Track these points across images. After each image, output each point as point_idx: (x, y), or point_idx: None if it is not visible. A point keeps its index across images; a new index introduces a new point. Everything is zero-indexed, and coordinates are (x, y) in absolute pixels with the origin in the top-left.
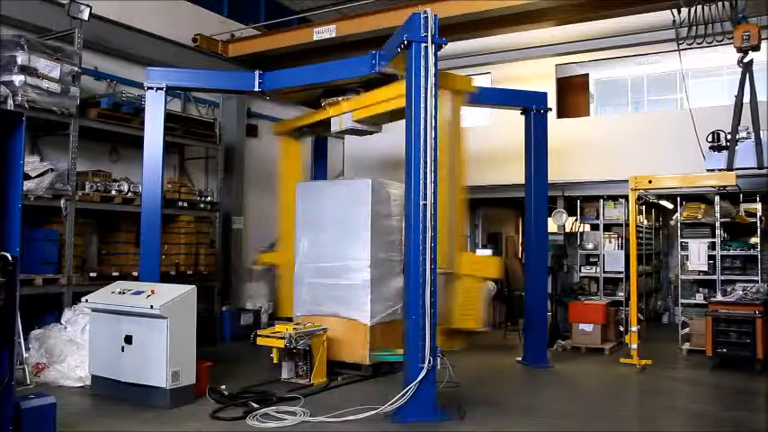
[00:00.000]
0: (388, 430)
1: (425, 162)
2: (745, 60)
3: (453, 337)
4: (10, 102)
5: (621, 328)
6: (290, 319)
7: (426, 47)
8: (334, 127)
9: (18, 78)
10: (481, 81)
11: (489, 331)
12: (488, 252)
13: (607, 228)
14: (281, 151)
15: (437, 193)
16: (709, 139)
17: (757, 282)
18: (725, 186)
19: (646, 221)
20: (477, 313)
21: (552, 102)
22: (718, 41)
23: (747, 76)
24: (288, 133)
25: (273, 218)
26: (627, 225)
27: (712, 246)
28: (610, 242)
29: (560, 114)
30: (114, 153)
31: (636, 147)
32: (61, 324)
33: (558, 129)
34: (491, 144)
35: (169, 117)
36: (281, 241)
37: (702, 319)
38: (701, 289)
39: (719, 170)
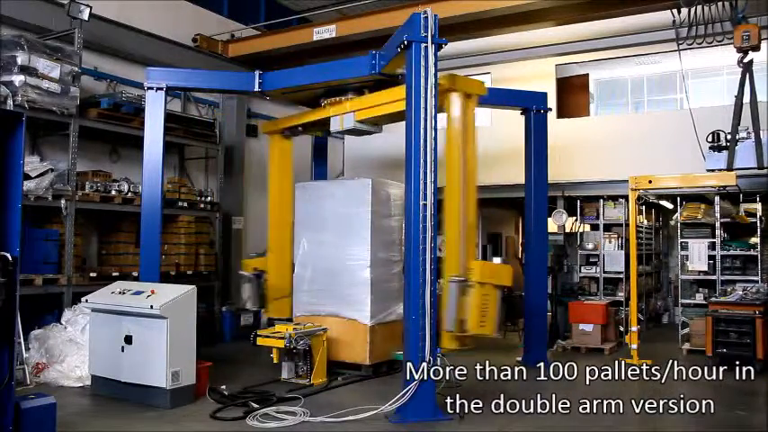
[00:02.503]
0: (388, 430)
1: (425, 162)
2: (745, 60)
3: (463, 339)
4: (10, 102)
5: (621, 329)
6: (289, 320)
7: (426, 47)
8: (335, 126)
9: (18, 78)
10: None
11: (500, 337)
12: (499, 260)
13: (607, 228)
14: (272, 151)
15: (451, 198)
16: (709, 139)
17: (757, 282)
18: (725, 186)
19: (646, 221)
20: (492, 321)
21: (552, 102)
22: (718, 41)
23: (747, 76)
24: (279, 132)
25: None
26: (627, 225)
27: (712, 246)
28: (610, 242)
29: (560, 114)
30: (114, 153)
31: (636, 147)
32: (61, 324)
33: (558, 129)
34: (491, 144)
35: (169, 117)
36: (270, 246)
37: (702, 319)
38: (701, 289)
39: (719, 170)
